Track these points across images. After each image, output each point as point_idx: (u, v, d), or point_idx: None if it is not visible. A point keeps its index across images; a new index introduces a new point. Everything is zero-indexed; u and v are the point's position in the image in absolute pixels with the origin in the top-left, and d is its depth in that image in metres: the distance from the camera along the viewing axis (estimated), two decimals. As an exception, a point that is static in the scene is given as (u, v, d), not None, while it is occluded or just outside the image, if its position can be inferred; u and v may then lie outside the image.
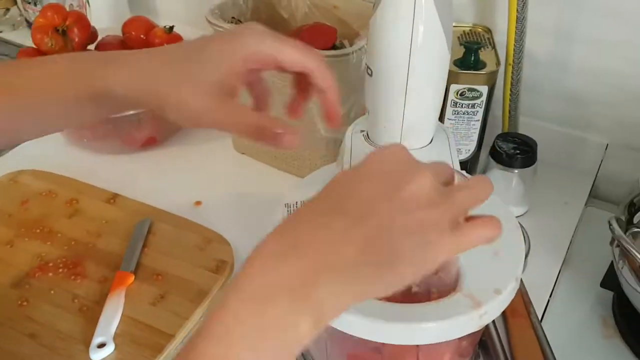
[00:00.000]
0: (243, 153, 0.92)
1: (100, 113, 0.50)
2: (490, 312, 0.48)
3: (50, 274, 0.68)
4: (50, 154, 0.90)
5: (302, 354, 0.61)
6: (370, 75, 0.49)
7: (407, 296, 0.48)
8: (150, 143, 0.91)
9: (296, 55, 0.46)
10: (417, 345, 0.48)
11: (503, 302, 0.48)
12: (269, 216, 0.62)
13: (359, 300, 0.34)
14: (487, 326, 0.60)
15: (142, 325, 0.63)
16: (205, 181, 0.86)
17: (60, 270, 0.69)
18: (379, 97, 0.50)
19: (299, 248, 0.34)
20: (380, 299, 0.47)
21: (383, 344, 0.48)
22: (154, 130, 0.90)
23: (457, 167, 0.52)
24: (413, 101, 0.49)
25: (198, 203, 0.82)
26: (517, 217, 0.76)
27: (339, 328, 0.48)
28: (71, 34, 0.87)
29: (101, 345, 0.60)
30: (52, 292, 0.67)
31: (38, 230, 0.74)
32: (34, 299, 0.66)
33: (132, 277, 0.67)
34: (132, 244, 0.72)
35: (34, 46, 0.90)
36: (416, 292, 0.48)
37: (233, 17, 0.81)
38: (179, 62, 0.45)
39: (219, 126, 0.46)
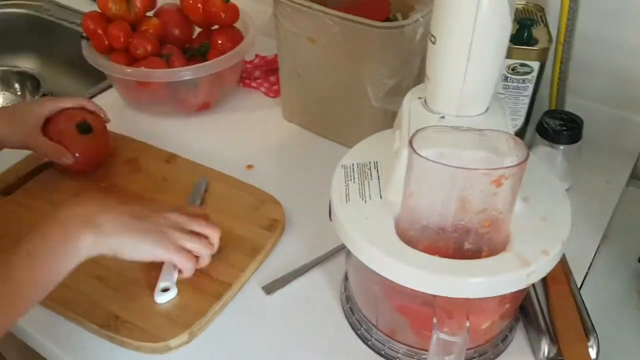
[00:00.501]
0: (291, 121, 0.95)
1: None
2: (537, 271, 0.51)
3: (116, 224, 0.73)
4: (110, 115, 0.95)
5: (351, 308, 0.65)
6: (434, 43, 0.52)
7: (458, 252, 0.51)
8: (204, 108, 0.95)
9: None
10: (467, 301, 0.51)
11: (550, 263, 0.51)
12: (317, 180, 0.66)
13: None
14: (527, 291, 0.64)
15: (202, 274, 0.67)
16: (255, 146, 0.90)
17: (125, 221, 0.74)
18: (440, 64, 0.53)
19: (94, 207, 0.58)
20: (433, 255, 0.50)
21: (434, 297, 0.51)
22: (208, 95, 0.94)
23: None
24: (474, 69, 0.51)
25: (250, 166, 0.86)
26: (559, 192, 0.79)
27: (391, 279, 0.52)
28: (134, 0, 0.91)
29: (165, 290, 0.65)
30: (118, 240, 0.71)
31: (103, 185, 0.79)
32: (101, 245, 0.71)
33: None
34: (190, 199, 0.76)
35: (93, 10, 0.94)
36: (468, 249, 0.51)
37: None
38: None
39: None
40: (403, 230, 0.53)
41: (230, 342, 0.63)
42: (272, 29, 0.88)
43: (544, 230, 0.53)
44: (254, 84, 1.02)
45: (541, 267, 0.51)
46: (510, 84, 0.73)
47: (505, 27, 0.50)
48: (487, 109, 0.56)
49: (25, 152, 0.83)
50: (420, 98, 0.58)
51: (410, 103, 0.58)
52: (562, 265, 0.69)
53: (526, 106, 0.75)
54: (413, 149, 0.47)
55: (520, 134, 0.79)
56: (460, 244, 0.51)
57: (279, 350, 0.63)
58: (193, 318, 0.63)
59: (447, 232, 0.51)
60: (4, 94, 1.19)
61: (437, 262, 0.50)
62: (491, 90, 0.54)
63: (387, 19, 0.83)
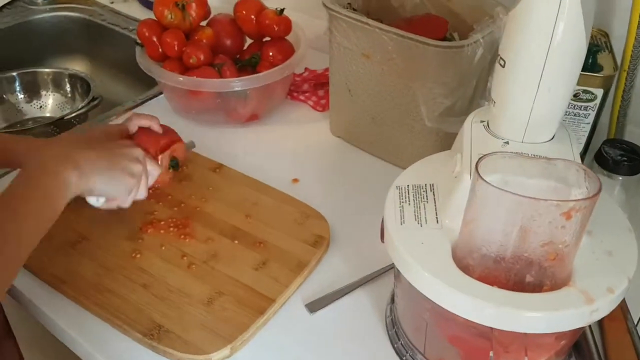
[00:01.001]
0: (338, 136, 0.94)
1: None
2: (601, 309, 0.48)
3: (162, 232, 0.73)
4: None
5: (396, 332, 0.63)
6: (503, 66, 0.51)
7: (519, 285, 0.49)
8: (252, 119, 0.95)
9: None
10: (526, 336, 0.49)
11: (615, 300, 0.49)
12: (362, 197, 0.65)
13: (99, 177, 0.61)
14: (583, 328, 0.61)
15: (246, 288, 0.66)
16: (301, 160, 0.90)
17: (171, 229, 0.73)
18: (509, 89, 0.51)
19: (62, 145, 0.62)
20: (492, 285, 0.49)
21: (491, 329, 0.49)
22: (257, 107, 0.94)
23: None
24: (544, 96, 0.50)
25: (295, 180, 0.85)
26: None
27: (446, 308, 0.50)
28: (189, 9, 0.91)
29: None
30: (163, 248, 0.71)
31: (151, 191, 0.79)
32: (147, 252, 0.71)
33: None
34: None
35: (148, 18, 0.95)
36: (529, 282, 0.49)
37: (349, 4, 0.84)
38: None
39: None
40: (460, 257, 0.51)
41: (270, 359, 0.62)
42: (323, 43, 0.87)
43: (609, 266, 0.51)
44: (302, 97, 1.01)
45: (606, 305, 0.48)
46: (571, 110, 0.71)
47: (579, 54, 0.49)
48: (554, 136, 0.54)
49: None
50: (482, 122, 0.56)
51: (472, 126, 0.56)
52: (620, 302, 0.66)
53: (586, 134, 0.73)
54: (479, 175, 0.45)
55: (577, 162, 0.76)
56: (521, 276, 0.49)
57: (321, 371, 0.61)
58: (235, 332, 0.62)
59: (507, 262, 0.49)
60: (54, 95, 1.21)
61: (496, 293, 0.48)
62: (559, 117, 0.53)
63: (444, 38, 0.82)
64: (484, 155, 0.48)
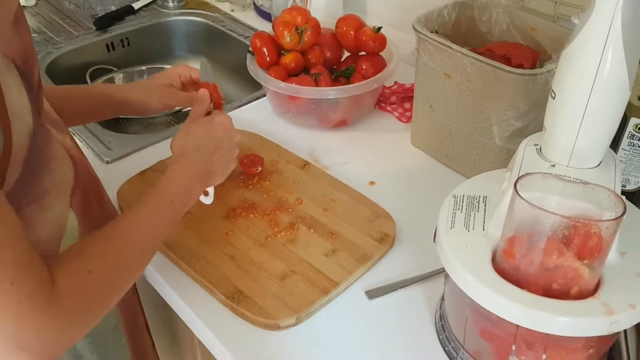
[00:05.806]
0: (417, 147, 1.02)
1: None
2: (620, 322, 0.53)
3: (251, 216, 0.85)
4: (260, 120, 1.08)
5: (442, 325, 0.71)
6: (553, 98, 0.57)
7: (547, 290, 0.56)
8: (341, 124, 1.05)
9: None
10: (548, 336, 0.55)
11: (635, 316, 0.54)
12: (431, 204, 0.73)
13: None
14: (619, 341, 0.65)
15: (315, 270, 0.77)
16: (381, 165, 0.99)
17: (259, 214, 0.85)
18: (557, 118, 0.58)
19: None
20: (523, 288, 0.55)
21: (517, 327, 0.56)
22: (346, 114, 1.04)
23: (618, 192, 0.58)
24: (587, 128, 0.56)
25: (372, 183, 0.94)
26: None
27: (483, 305, 0.57)
28: (305, 35, 1.02)
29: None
30: (250, 229, 0.83)
31: (242, 177, 0.92)
32: (237, 230, 0.83)
33: None
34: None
35: (262, 30, 1.08)
36: (556, 290, 0.55)
37: (437, 31, 0.91)
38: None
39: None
40: (498, 261, 0.58)
41: (328, 333, 0.72)
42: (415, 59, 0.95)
43: (636, 286, 0.56)
44: (389, 108, 1.10)
45: (625, 319, 0.53)
46: (635, 141, 0.74)
47: (622, 92, 0.54)
48: (600, 163, 0.60)
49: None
50: (536, 145, 0.63)
51: (525, 148, 0.63)
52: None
53: (650, 165, 0.76)
54: (516, 190, 0.53)
55: (642, 191, 0.80)
56: (549, 284, 0.55)
57: (369, 350, 0.70)
58: (301, 306, 0.72)
59: (537, 270, 0.55)
60: (175, 88, 1.39)
61: (524, 296, 0.55)
62: (603, 147, 0.58)
63: (533, 67, 0.87)
64: (526, 174, 0.55)
